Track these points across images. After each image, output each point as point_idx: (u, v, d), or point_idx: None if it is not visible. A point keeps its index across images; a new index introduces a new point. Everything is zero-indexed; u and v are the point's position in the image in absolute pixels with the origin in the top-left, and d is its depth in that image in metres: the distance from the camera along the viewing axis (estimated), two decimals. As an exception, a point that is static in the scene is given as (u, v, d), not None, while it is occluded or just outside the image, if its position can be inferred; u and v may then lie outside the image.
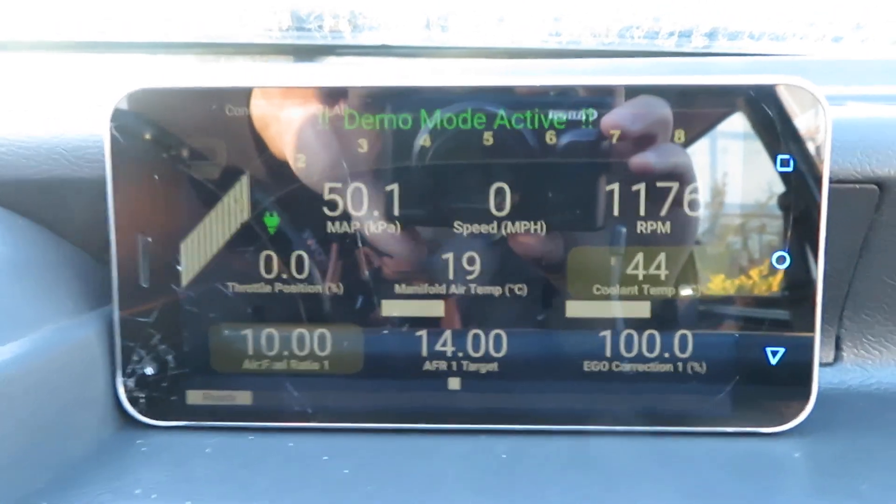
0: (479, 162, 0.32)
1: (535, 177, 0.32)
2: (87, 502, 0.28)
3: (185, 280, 0.33)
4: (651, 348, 0.33)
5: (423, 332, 0.33)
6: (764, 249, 0.32)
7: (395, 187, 0.32)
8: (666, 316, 0.33)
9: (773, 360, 0.32)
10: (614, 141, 0.32)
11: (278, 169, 0.33)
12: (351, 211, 0.33)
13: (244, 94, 0.32)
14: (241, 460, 0.31)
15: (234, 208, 0.33)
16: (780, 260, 0.32)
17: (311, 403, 0.33)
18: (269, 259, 0.33)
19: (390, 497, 0.28)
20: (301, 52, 0.51)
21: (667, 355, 0.33)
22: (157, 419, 0.34)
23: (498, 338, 0.33)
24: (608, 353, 0.33)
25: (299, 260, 0.33)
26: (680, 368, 0.33)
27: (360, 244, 0.33)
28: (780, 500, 0.28)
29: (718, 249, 0.33)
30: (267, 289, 0.33)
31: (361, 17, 0.49)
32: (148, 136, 0.32)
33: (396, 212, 0.33)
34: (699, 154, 0.32)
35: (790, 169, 0.32)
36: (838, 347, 0.37)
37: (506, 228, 0.32)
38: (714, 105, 0.32)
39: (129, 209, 0.33)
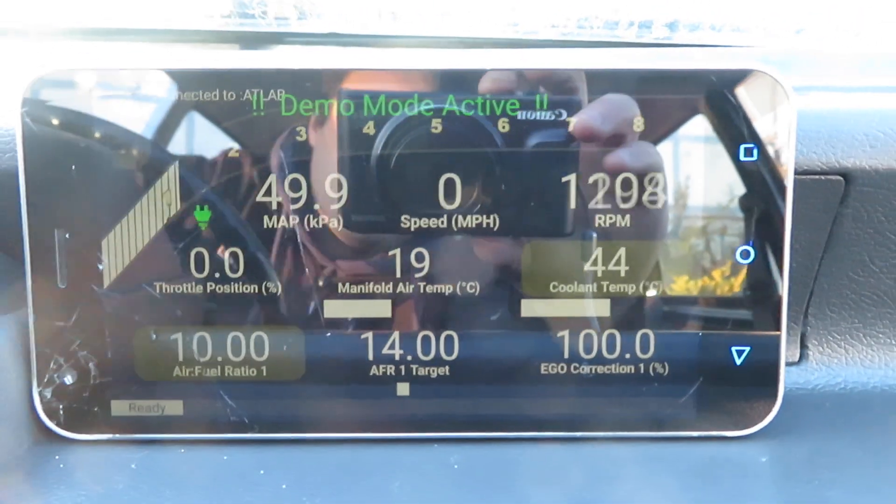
0: (426, 151, 0.31)
1: (488, 167, 0.31)
2: (-4, 525, 0.27)
3: (107, 280, 0.32)
4: (611, 349, 0.32)
5: (368, 335, 0.32)
6: (727, 243, 0.32)
7: (337, 178, 0.31)
8: (627, 314, 0.32)
9: (739, 360, 0.32)
10: (571, 129, 0.31)
11: (210, 158, 0.31)
12: (290, 204, 0.31)
13: (171, 77, 0.31)
14: (170, 477, 0.30)
15: (161, 201, 0.31)
16: (745, 254, 0.32)
17: (247, 413, 0.32)
18: (200, 256, 0.32)
19: (331, 514, 0.28)
20: (246, 40, 0.49)
21: (628, 356, 0.32)
22: (77, 432, 0.32)
23: (449, 339, 0.32)
24: (566, 354, 0.32)
25: (233, 257, 0.32)
26: (642, 370, 0.32)
27: (299, 240, 0.32)
28: (748, 509, 0.28)
29: (681, 244, 0.32)
30: (198, 289, 0.32)
31: (308, 2, 0.47)
32: (63, 124, 0.31)
33: (339, 205, 0.31)
34: (659, 143, 0.31)
35: (754, 158, 0.31)
36: (804, 345, 0.37)
37: (456, 223, 0.31)
38: (675, 92, 0.31)
39: (45, 203, 0.31)
